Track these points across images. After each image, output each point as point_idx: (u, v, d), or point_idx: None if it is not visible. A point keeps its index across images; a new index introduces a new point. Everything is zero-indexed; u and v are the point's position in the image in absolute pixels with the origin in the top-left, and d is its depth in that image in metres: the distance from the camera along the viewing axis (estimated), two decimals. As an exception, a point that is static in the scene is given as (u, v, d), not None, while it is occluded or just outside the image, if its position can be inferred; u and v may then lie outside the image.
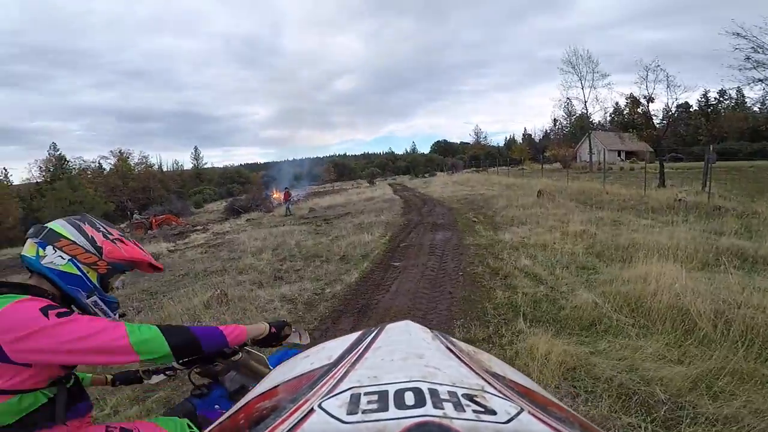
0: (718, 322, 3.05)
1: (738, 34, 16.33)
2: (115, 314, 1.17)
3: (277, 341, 1.23)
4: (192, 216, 28.39)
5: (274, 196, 24.90)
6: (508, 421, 0.37)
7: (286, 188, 21.17)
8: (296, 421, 0.39)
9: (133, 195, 37.59)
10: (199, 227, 19.15)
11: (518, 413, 0.39)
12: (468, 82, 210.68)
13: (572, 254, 5.66)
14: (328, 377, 0.50)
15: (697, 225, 7.05)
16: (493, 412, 0.38)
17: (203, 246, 11.11)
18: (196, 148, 66.01)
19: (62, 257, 1.03)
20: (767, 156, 27.66)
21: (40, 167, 37.74)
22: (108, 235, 1.14)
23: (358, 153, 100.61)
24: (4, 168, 38.02)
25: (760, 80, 17.22)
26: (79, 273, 1.05)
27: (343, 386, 0.45)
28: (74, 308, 1.04)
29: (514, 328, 3.47)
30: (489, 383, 0.47)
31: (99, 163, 41.56)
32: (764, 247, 5.38)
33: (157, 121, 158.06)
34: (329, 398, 0.42)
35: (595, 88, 30.16)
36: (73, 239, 1.06)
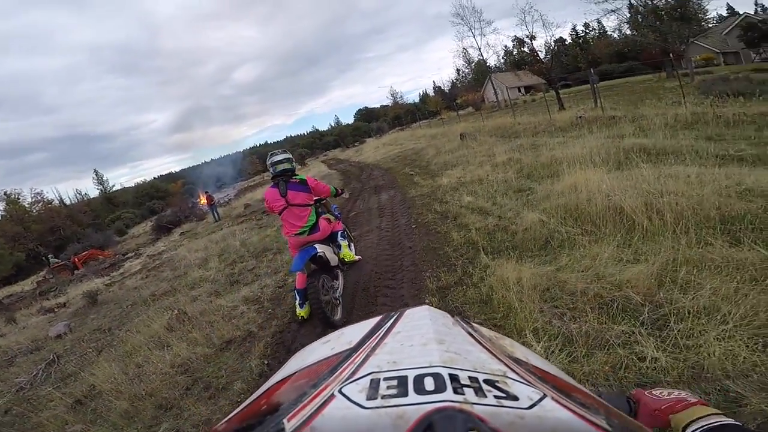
0: (652, 214, 3.24)
1: None
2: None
3: (341, 194, 3.87)
4: (118, 245, 25.77)
5: (201, 202, 23.27)
6: (531, 407, 0.37)
7: (206, 192, 19.74)
8: (317, 406, 0.39)
9: (41, 239, 32.87)
10: (130, 254, 17.46)
11: (541, 399, 0.38)
12: (372, 48, 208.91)
13: (506, 181, 6.10)
14: (348, 362, 0.50)
15: (600, 134, 7.90)
16: (515, 398, 0.38)
17: (142, 271, 10.24)
18: (96, 172, 58.72)
19: None
20: (635, 73, 31.69)
21: None
22: None
23: (281, 138, 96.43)
24: None
25: (612, 11, 20.43)
26: None
27: (363, 371, 0.45)
28: None
29: (480, 265, 3.55)
30: (511, 369, 0.46)
31: None
32: (660, 141, 6.18)
33: (39, 151, 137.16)
34: (349, 383, 0.42)
35: (484, 35, 32.19)
36: None
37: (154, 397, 3.18)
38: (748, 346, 1.80)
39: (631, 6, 20.34)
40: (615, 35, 34.22)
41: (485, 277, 3.31)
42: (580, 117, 10.97)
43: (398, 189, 8.63)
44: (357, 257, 4.04)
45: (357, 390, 0.40)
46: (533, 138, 9.91)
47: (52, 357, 5.15)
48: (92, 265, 18.27)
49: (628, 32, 25.72)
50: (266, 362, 3.24)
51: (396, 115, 60.97)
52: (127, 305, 6.66)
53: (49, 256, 23.22)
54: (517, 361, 0.54)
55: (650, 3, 19.11)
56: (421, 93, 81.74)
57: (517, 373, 0.45)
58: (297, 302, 3.57)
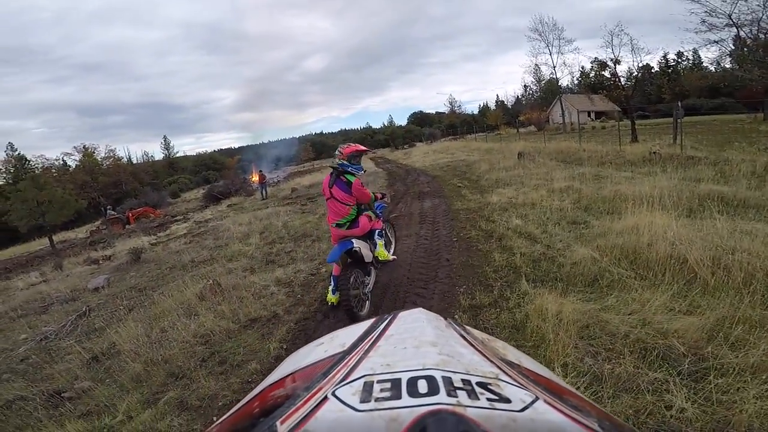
0: (717, 270, 3.07)
1: None
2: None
3: (381, 199, 4.25)
4: (170, 206, 27.60)
5: (253, 179, 24.30)
6: (523, 410, 0.37)
7: (260, 170, 20.53)
8: (310, 409, 0.39)
9: (104, 190, 36.04)
10: (179, 217, 18.59)
11: (533, 401, 0.39)
12: (436, 53, 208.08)
13: (561, 210, 5.75)
14: (341, 365, 0.50)
15: (675, 174, 7.25)
16: (508, 401, 0.38)
17: (186, 236, 10.77)
18: (165, 138, 63.35)
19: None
20: (727, 111, 28.84)
21: (0, 169, 35.52)
22: None
23: (335, 130, 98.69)
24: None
25: (714, 42, 18.30)
26: None
27: (356, 374, 0.45)
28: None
29: (519, 290, 3.44)
30: (503, 371, 0.47)
31: (63, 161, 39.41)
32: (741, 191, 5.58)
33: (120, 113, 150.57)
34: (343, 386, 0.43)
35: (562, 53, 30.98)
36: None
37: (168, 363, 3.25)
38: None
39: (737, 38, 18.30)
40: (711, 68, 31.36)
41: (522, 303, 3.21)
42: (654, 152, 10.15)
43: (443, 199, 8.42)
44: (392, 257, 4.14)
45: (350, 392, 0.41)
46: (598, 168, 9.28)
47: (84, 309, 5.37)
48: (143, 222, 19.65)
49: (728, 66, 23.36)
50: (285, 347, 3.25)
51: (451, 124, 60.29)
52: (167, 268, 6.98)
53: (108, 207, 25.27)
54: (510, 363, 0.54)
55: (762, 36, 17.10)
56: (481, 105, 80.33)
57: (510, 376, 0.46)
58: (330, 287, 3.70)
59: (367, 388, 0.41)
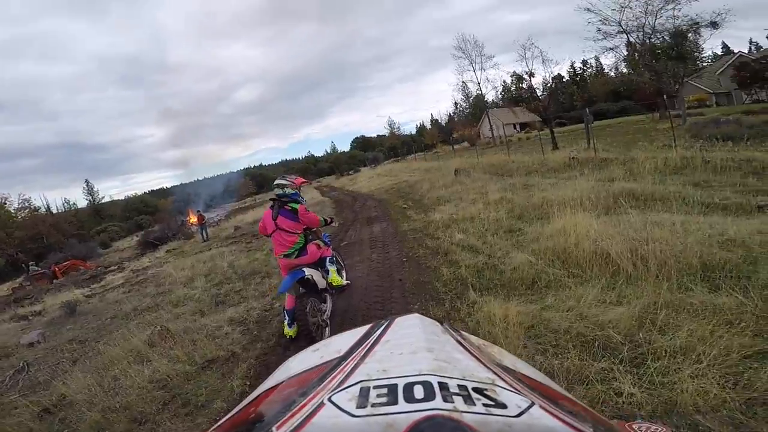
0: (636, 260, 3.36)
1: (588, 9, 19.54)
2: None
3: (329, 223, 4.02)
4: (101, 257, 25.19)
5: (191, 221, 23.04)
6: (519, 415, 0.37)
7: (198, 211, 19.67)
8: (306, 414, 0.39)
9: (22, 246, 31.95)
10: (113, 267, 17.04)
11: (529, 407, 0.39)
12: (374, 77, 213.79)
13: (497, 221, 6.17)
14: (337, 371, 0.50)
15: (592, 176, 8.10)
16: (504, 406, 0.38)
17: (125, 285, 9.98)
18: (87, 182, 58.34)
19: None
20: (629, 113, 32.24)
21: None
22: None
23: (275, 162, 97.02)
24: None
25: (610, 49, 20.83)
26: None
27: (352, 380, 0.45)
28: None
29: (468, 300, 3.62)
30: (499, 377, 0.47)
31: None
32: (648, 186, 6.31)
33: (33, 156, 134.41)
34: (339, 392, 0.42)
35: (484, 69, 33.09)
36: None
37: (128, 410, 3.06)
38: (719, 384, 1.90)
39: (629, 44, 20.54)
40: (612, 73, 35.37)
41: (473, 312, 3.37)
42: (573, 158, 11.27)
43: (391, 222, 8.67)
44: (346, 282, 4.24)
45: (347, 398, 0.41)
46: (526, 177, 10.13)
47: (21, 365, 4.93)
48: (73, 276, 17.80)
49: (625, 71, 26.16)
50: (248, 383, 3.17)
51: (392, 146, 62.14)
52: (107, 318, 6.46)
53: (30, 263, 22.57)
54: (506, 369, 0.54)
55: (648, 41, 19.31)
56: (418, 125, 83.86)
57: (506, 381, 0.46)
58: (285, 322, 3.60)
59: (364, 393, 0.41)
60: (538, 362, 2.40)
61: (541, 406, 0.40)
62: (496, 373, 0.48)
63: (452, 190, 10.40)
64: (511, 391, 0.43)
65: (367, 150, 68.94)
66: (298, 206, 3.49)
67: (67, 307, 7.66)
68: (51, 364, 4.80)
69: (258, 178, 60.81)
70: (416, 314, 0.70)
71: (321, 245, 3.90)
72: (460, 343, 0.58)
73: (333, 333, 3.48)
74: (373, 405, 0.39)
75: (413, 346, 0.53)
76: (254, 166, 79.10)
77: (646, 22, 18.81)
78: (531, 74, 21.23)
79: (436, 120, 75.21)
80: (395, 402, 0.39)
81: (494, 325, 2.91)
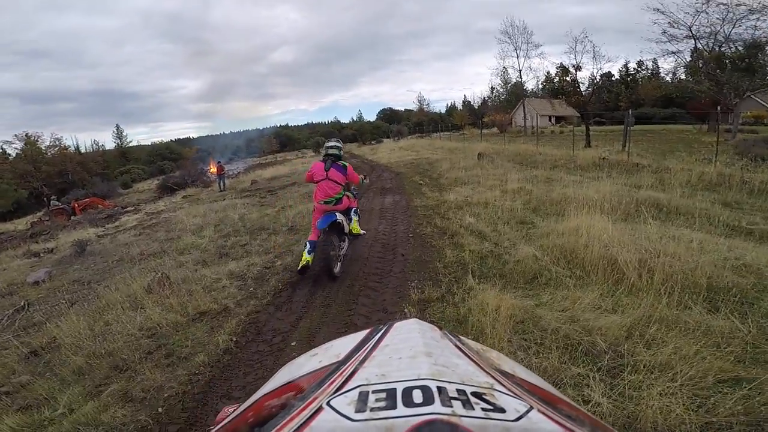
0: (642, 271, 3.27)
1: (657, 9, 18.06)
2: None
3: (364, 180, 5.14)
4: (121, 197, 25.99)
5: (211, 170, 23.39)
6: (518, 419, 0.37)
7: (219, 162, 19.90)
8: (305, 419, 0.39)
9: (48, 180, 33.01)
10: (130, 208, 17.58)
11: (527, 411, 0.39)
12: (408, 51, 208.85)
13: (512, 210, 6.00)
14: (336, 375, 0.50)
15: (619, 180, 7.72)
16: (502, 410, 0.38)
17: (136, 228, 10.25)
18: (117, 126, 59.37)
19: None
20: (677, 121, 30.60)
21: None
22: None
23: (301, 123, 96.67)
24: None
25: (672, 53, 19.20)
26: None
27: (351, 384, 0.45)
28: None
29: (465, 286, 3.57)
30: (498, 381, 0.47)
31: (2, 149, 36.00)
32: (675, 199, 6.02)
33: (69, 101, 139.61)
34: (338, 396, 0.42)
35: (529, 57, 31.68)
36: None
37: (112, 356, 3.12)
38: (684, 405, 1.89)
39: (694, 50, 18.96)
40: (668, 78, 33.26)
41: (467, 298, 3.34)
42: (603, 158, 10.81)
43: (404, 195, 8.55)
44: (363, 231, 4.88)
45: (345, 402, 0.41)
46: (550, 171, 9.77)
47: (22, 303, 4.99)
48: (90, 214, 18.42)
49: (683, 77, 24.64)
50: (234, 339, 3.21)
51: (419, 122, 61.03)
52: (114, 260, 6.61)
53: (52, 197, 23.38)
54: (504, 373, 0.54)
55: (717, 49, 17.99)
56: (448, 104, 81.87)
57: (504, 386, 0.46)
58: (306, 250, 4.26)
59: (363, 398, 0.41)
60: (518, 358, 2.37)
61: (539, 410, 0.40)
62: (494, 378, 0.48)
63: (472, 173, 10.12)
64: (509, 395, 0.43)
65: (393, 122, 67.90)
66: (347, 165, 4.38)
67: (78, 246, 7.79)
68: (50, 304, 4.87)
69: (283, 138, 61.01)
70: (415, 319, 0.69)
71: (351, 197, 4.68)
72: (459, 348, 0.59)
73: (343, 271, 4.36)
74: (372, 409, 0.39)
75: (412, 350, 0.53)
76: (280, 126, 79.03)
77: (721, 30, 17.32)
78: (578, 67, 20.20)
79: (469, 102, 73.35)
80: (394, 406, 0.39)
81: (485, 315, 2.88)
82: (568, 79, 21.62)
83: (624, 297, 3.06)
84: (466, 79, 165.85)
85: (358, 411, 0.39)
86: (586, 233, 4.18)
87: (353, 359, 0.55)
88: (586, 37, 20.40)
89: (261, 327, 3.40)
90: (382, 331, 0.65)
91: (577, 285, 3.34)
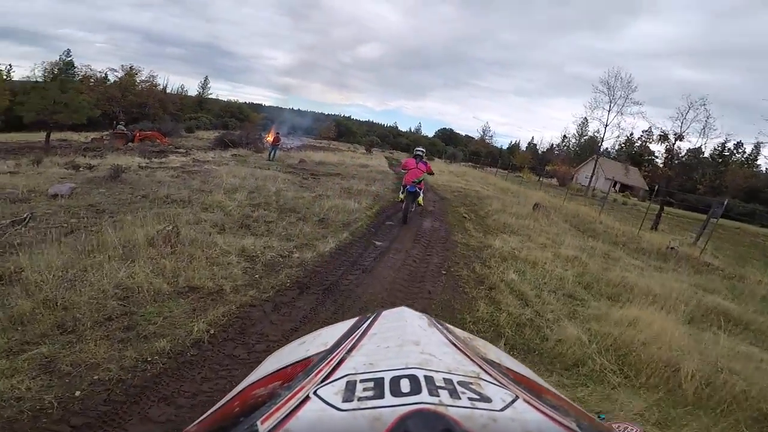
0: (703, 387, 2.93)
1: None
2: None
3: (431, 173, 8.71)
4: (180, 138, 27.19)
5: (268, 137, 23.84)
6: (503, 409, 0.37)
7: (277, 132, 20.18)
8: (291, 408, 0.39)
9: (127, 108, 36.23)
10: (182, 150, 18.09)
11: (513, 401, 0.39)
12: (488, 78, 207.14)
13: (561, 279, 5.28)
14: (323, 364, 0.50)
15: (686, 277, 6.84)
16: (489, 400, 0.39)
17: (177, 170, 10.28)
18: (206, 78, 64.09)
19: None
20: (754, 220, 27.66)
21: (45, 68, 36.00)
22: None
23: (362, 119, 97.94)
24: (9, 65, 36.23)
25: None
26: None
27: (338, 373, 0.45)
28: None
29: None
30: (484, 370, 0.47)
31: (105, 74, 39.98)
32: (748, 312, 5.37)
33: (179, 46, 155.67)
34: (325, 385, 0.42)
35: (622, 113, 28.63)
36: None
37: (66, 311, 2.70)
38: None
39: None
40: (764, 168, 28.21)
41: None
42: (671, 248, 9.69)
43: (445, 225, 7.91)
44: (423, 203, 8.14)
45: (333, 392, 0.41)
46: (610, 246, 8.78)
47: (25, 216, 4.65)
48: (147, 144, 19.26)
49: None
50: (211, 332, 2.78)
51: (476, 151, 59.76)
52: (139, 195, 6.48)
53: (121, 121, 25.03)
54: (491, 362, 0.56)
55: None
56: (512, 141, 79.88)
57: (491, 375, 0.47)
58: (401, 192, 7.28)
59: (350, 387, 0.41)
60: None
61: (525, 400, 0.40)
62: (481, 367, 0.48)
63: (524, 223, 9.26)
64: (496, 384, 0.43)
65: (449, 144, 67.11)
66: (428, 162, 7.89)
67: (115, 170, 7.77)
68: (51, 224, 4.56)
69: (342, 128, 61.96)
70: (403, 307, 0.69)
71: (422, 181, 7.53)
72: (446, 337, 0.58)
73: (408, 224, 7.11)
74: (360, 399, 0.39)
75: (400, 339, 0.53)
76: (343, 116, 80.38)
77: None
78: (680, 136, 16.57)
79: (535, 145, 71.15)
80: (382, 396, 0.39)
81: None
82: (659, 147, 18.79)
83: (672, 411, 2.70)
84: (538, 121, 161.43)
85: (345, 400, 0.39)
86: (647, 329, 3.62)
87: (341, 348, 0.55)
88: (704, 104, 16.37)
89: (248, 326, 2.96)
90: (371, 319, 0.66)
91: (623, 385, 2.96)
